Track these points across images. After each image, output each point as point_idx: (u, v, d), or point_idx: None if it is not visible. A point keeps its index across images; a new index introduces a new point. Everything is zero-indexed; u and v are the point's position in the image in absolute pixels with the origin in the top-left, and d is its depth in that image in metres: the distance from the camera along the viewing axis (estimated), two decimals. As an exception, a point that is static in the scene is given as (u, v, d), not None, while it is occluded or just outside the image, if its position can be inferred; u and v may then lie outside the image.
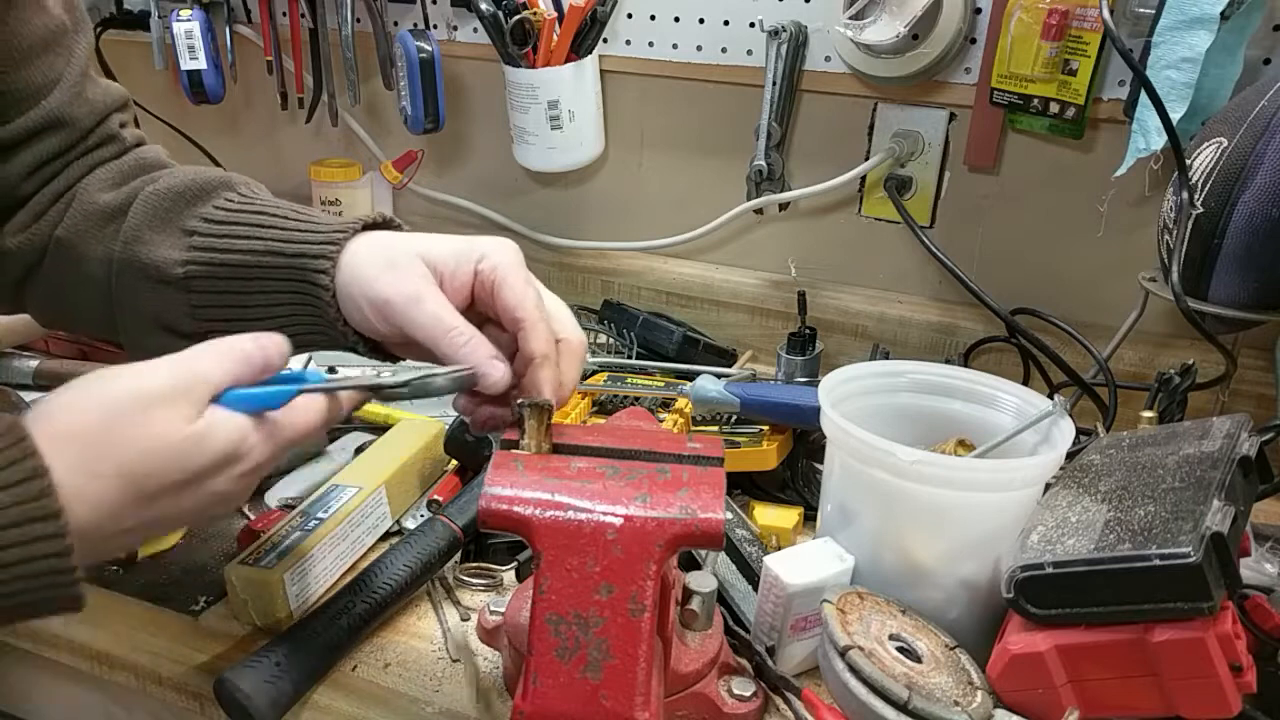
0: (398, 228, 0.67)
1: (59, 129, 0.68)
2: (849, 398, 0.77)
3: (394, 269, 0.60)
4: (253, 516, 0.83)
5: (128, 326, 0.67)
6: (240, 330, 0.55)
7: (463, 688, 0.69)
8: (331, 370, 0.56)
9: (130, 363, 0.49)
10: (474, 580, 0.79)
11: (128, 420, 0.46)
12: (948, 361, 0.98)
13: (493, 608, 0.69)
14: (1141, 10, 0.90)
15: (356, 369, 0.57)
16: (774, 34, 1.06)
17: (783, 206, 1.17)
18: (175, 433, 0.47)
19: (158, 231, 0.64)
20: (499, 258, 0.60)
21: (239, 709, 0.63)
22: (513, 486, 0.56)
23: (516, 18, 1.09)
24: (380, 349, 0.65)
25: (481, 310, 0.61)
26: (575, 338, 0.61)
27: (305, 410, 0.53)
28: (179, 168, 0.71)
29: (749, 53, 1.12)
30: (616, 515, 0.54)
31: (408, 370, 0.55)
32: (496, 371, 0.56)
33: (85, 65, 0.69)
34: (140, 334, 0.67)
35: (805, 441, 0.92)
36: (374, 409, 1.01)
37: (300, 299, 0.63)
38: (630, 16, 1.16)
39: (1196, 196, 0.83)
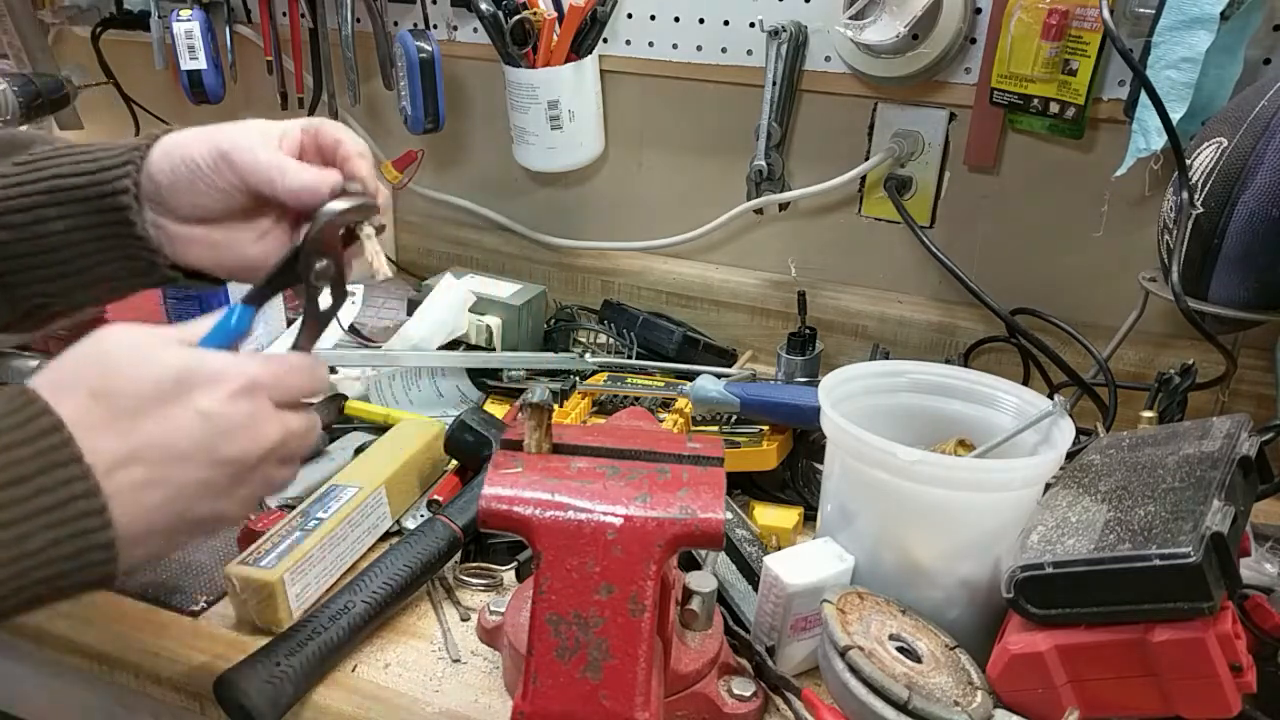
0: None
1: None
2: (849, 398, 0.77)
3: (216, 129, 0.60)
4: (253, 516, 0.83)
5: None
6: (50, 279, 0.60)
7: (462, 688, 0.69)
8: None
9: None
10: (474, 580, 0.79)
11: (86, 348, 0.48)
12: (948, 361, 0.98)
13: (493, 608, 0.69)
14: (1141, 10, 0.90)
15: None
16: (774, 34, 1.06)
17: (783, 206, 1.17)
18: (129, 347, 0.48)
19: None
20: (292, 123, 0.62)
21: (239, 709, 0.63)
22: (513, 486, 0.56)
23: (516, 18, 1.09)
24: (195, 275, 0.64)
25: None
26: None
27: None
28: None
29: (749, 53, 1.12)
30: (616, 515, 0.54)
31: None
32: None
33: None
34: None
35: (805, 441, 0.92)
36: (373, 409, 1.01)
37: (101, 222, 0.60)
38: (630, 16, 1.16)
39: (1196, 196, 0.83)
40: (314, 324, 0.58)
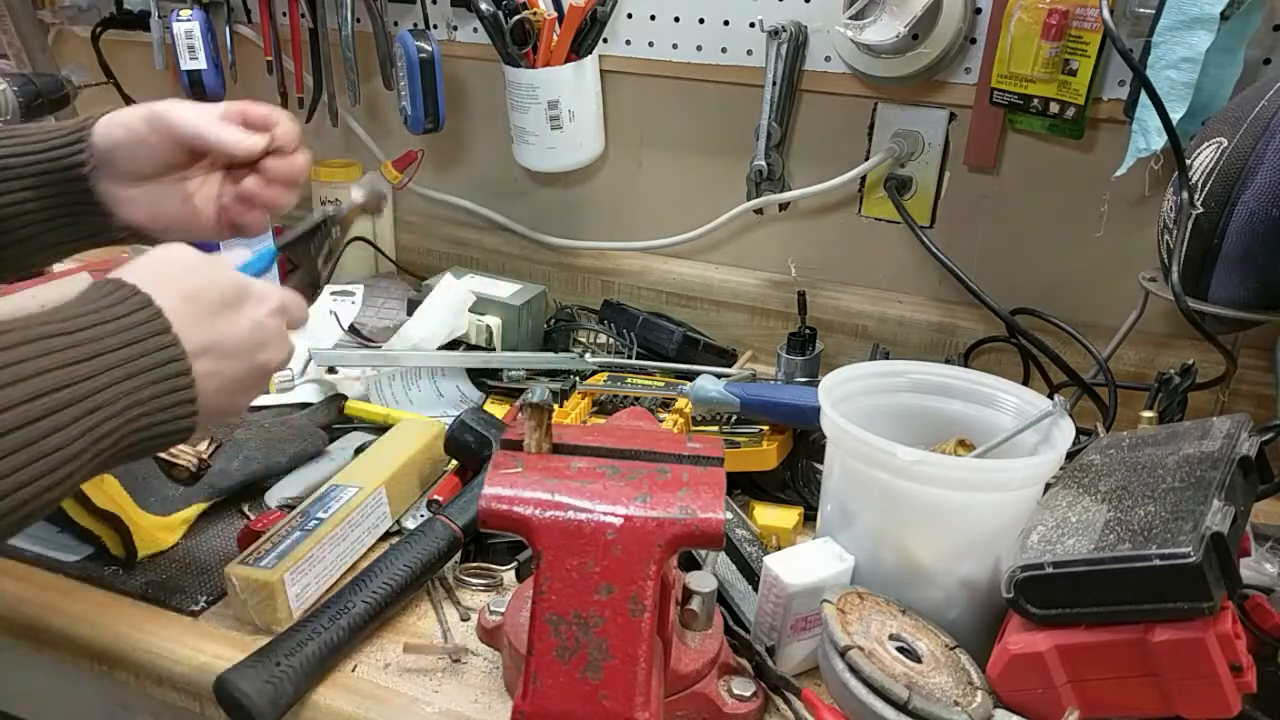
0: None
1: None
2: (849, 398, 0.77)
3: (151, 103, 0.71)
4: (253, 517, 0.83)
5: None
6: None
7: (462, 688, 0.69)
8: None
9: None
10: (474, 580, 0.79)
11: (161, 256, 0.57)
12: (948, 361, 0.98)
13: (493, 608, 0.69)
14: (1141, 10, 0.90)
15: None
16: (774, 34, 1.06)
17: (783, 206, 1.17)
18: (198, 261, 0.57)
19: None
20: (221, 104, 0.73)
21: (239, 709, 0.63)
22: (513, 486, 0.56)
23: (516, 18, 1.09)
24: (138, 234, 0.72)
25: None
26: None
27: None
28: None
29: (749, 53, 1.12)
30: (616, 515, 0.54)
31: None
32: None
33: None
34: None
35: (805, 441, 0.92)
36: (373, 408, 1.01)
37: (56, 193, 0.68)
38: (630, 16, 1.16)
39: (1196, 196, 0.83)
40: (311, 276, 0.71)
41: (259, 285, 0.59)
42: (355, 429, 0.99)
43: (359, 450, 0.93)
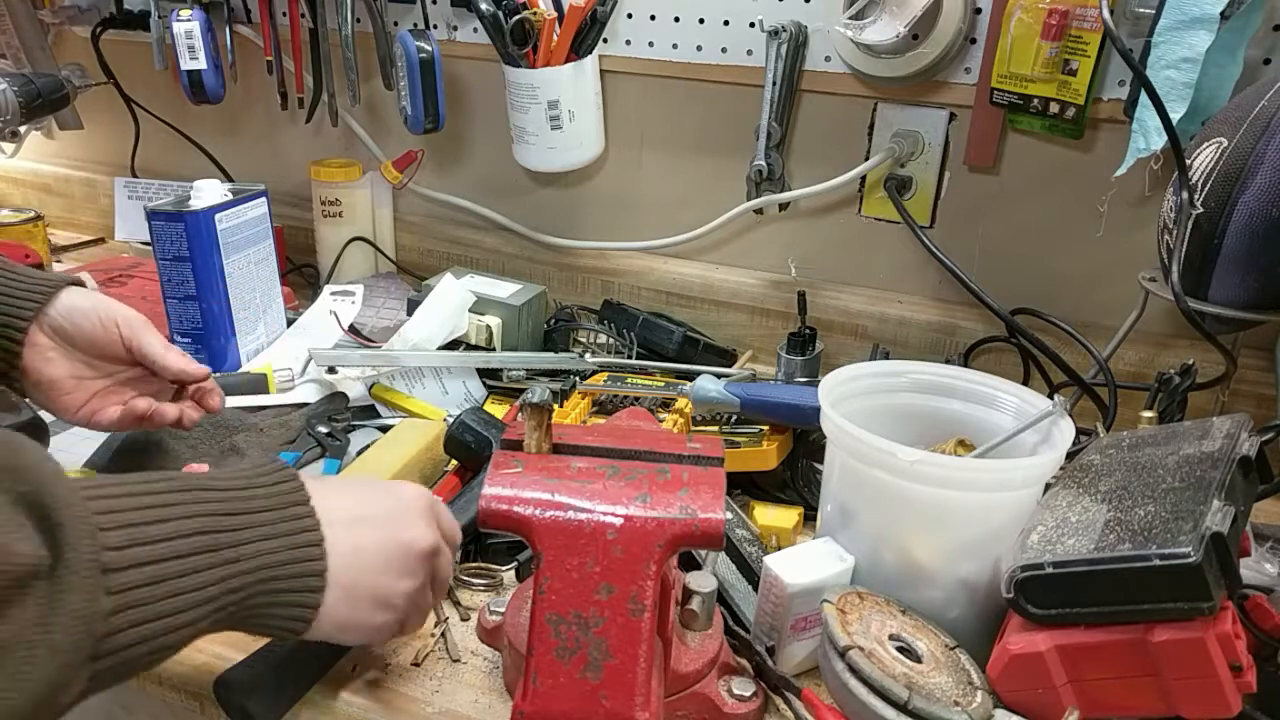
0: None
1: None
2: (849, 398, 0.77)
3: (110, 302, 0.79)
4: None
5: None
6: None
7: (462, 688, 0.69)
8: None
9: None
10: (474, 580, 0.79)
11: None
12: (948, 361, 0.97)
13: (493, 608, 0.69)
14: (1141, 10, 0.90)
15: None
16: (774, 34, 1.07)
17: (783, 206, 1.17)
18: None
19: None
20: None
21: (239, 709, 0.63)
22: (513, 486, 0.56)
23: (516, 18, 1.09)
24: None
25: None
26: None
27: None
28: None
29: (749, 53, 1.12)
30: (616, 515, 0.54)
31: None
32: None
33: None
34: None
35: (805, 441, 0.92)
36: (399, 396, 1.01)
37: None
38: (630, 16, 1.16)
39: (1196, 196, 0.83)
40: None
41: (418, 524, 0.59)
42: (363, 426, 0.99)
43: (359, 451, 0.93)
